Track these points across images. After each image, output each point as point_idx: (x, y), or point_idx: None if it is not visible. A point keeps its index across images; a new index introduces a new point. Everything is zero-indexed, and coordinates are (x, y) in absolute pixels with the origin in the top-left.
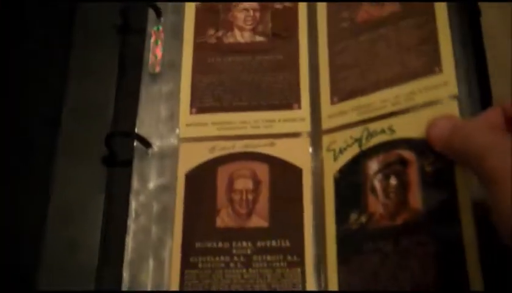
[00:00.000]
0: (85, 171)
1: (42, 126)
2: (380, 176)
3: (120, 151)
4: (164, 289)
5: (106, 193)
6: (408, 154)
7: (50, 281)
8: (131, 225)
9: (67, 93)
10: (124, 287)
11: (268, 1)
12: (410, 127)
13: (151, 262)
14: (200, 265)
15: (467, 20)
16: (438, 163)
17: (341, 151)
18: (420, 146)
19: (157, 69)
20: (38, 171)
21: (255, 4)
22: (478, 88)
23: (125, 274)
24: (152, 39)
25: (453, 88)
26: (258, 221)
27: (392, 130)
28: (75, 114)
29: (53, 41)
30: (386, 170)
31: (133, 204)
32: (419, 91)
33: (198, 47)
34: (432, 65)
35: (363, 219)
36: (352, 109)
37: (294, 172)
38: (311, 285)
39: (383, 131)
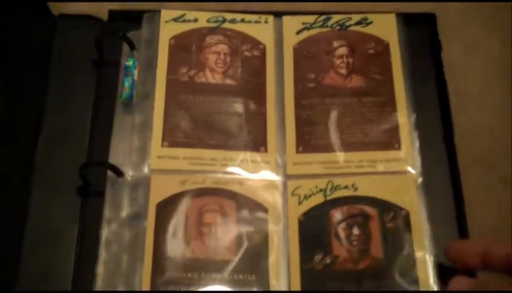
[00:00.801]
0: (59, 200)
1: (18, 156)
2: (343, 224)
3: (94, 180)
4: None
5: (79, 222)
6: (370, 210)
7: None
8: (103, 253)
9: (43, 123)
10: None
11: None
12: (372, 188)
13: (122, 290)
14: None
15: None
16: (397, 222)
17: (306, 197)
18: (381, 205)
19: (128, 101)
20: (14, 200)
21: (225, 48)
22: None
23: None
24: (125, 72)
25: (410, 166)
26: (226, 254)
27: (355, 188)
28: (50, 144)
29: (30, 73)
30: (349, 220)
31: (105, 233)
32: (381, 161)
33: (171, 83)
34: (392, 142)
35: (328, 260)
36: (316, 162)
37: (260, 210)
38: None
39: (346, 187)
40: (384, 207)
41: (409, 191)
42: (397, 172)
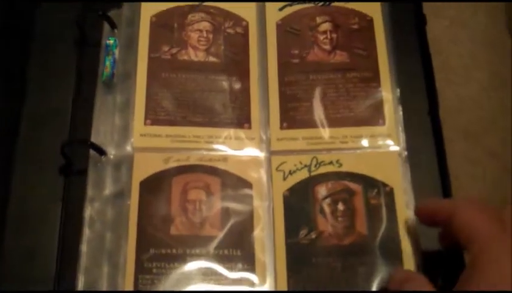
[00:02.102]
0: (42, 179)
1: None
2: (328, 200)
3: (76, 159)
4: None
5: (62, 201)
6: (354, 186)
7: (7, 289)
8: (87, 231)
9: (25, 102)
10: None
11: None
12: (356, 164)
13: (106, 268)
14: (154, 271)
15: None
16: (381, 198)
17: (291, 173)
18: (365, 181)
19: (110, 80)
20: None
21: (208, 26)
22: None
23: (81, 281)
24: (107, 51)
25: (394, 139)
26: (211, 230)
27: (339, 164)
28: (32, 124)
29: (11, 51)
30: (334, 196)
31: (88, 212)
32: (365, 136)
33: (152, 61)
34: (376, 117)
35: (313, 235)
36: (300, 137)
37: (245, 186)
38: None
39: (331, 163)
40: (369, 183)
41: (394, 167)
42: (381, 147)
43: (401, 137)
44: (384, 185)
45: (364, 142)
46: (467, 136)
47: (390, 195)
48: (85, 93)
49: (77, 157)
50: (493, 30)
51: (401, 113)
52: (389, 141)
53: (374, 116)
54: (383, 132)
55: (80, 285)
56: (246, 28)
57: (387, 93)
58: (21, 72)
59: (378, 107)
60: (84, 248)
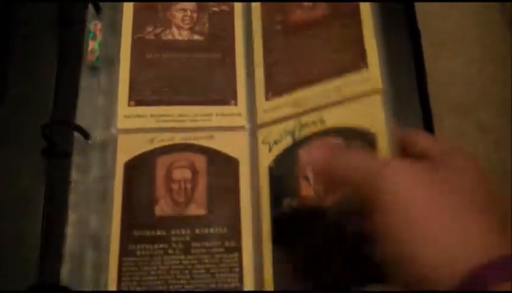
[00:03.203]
0: (25, 162)
1: None
2: None
3: (60, 141)
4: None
5: (46, 184)
6: (337, 141)
7: None
8: (72, 215)
9: (8, 84)
10: (65, 277)
11: (205, 0)
12: (339, 117)
13: (91, 252)
14: (138, 253)
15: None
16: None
17: (276, 143)
18: (349, 133)
19: (95, 63)
20: None
21: (192, 5)
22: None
23: (66, 264)
24: (91, 34)
25: (377, 82)
26: (196, 209)
27: (322, 121)
28: (16, 107)
29: None
30: None
31: (72, 194)
32: (346, 86)
33: (136, 42)
34: (358, 61)
35: (295, 202)
36: (285, 104)
37: (231, 163)
38: (247, 267)
39: (314, 123)
40: (351, 135)
41: (377, 113)
42: (364, 94)
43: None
44: (367, 133)
45: (346, 92)
46: (457, 110)
47: (372, 142)
48: (69, 75)
49: (61, 139)
50: (483, 7)
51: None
52: (371, 85)
53: (355, 61)
54: (364, 77)
55: (65, 268)
56: (231, 6)
57: (370, 39)
58: (3, 54)
59: (360, 49)
60: (69, 231)
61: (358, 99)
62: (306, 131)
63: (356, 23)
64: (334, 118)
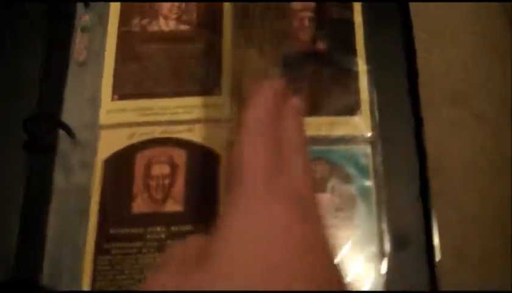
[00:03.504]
0: (6, 159)
1: None
2: None
3: (43, 137)
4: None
5: (26, 178)
6: None
7: None
8: (52, 213)
9: None
10: (44, 274)
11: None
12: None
13: (69, 250)
14: (113, 252)
15: None
16: None
17: None
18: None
19: (81, 57)
20: None
21: None
22: None
23: (45, 261)
24: (79, 28)
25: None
26: (173, 205)
27: None
28: (2, 98)
29: None
30: None
31: (53, 190)
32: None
33: (122, 35)
34: (212, 87)
35: None
36: None
37: (212, 157)
38: None
39: None
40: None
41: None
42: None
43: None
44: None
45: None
46: (454, 101)
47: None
48: (56, 69)
49: (44, 134)
50: None
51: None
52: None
53: (208, 87)
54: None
55: (45, 266)
56: None
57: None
58: None
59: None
60: (49, 227)
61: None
62: None
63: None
64: None
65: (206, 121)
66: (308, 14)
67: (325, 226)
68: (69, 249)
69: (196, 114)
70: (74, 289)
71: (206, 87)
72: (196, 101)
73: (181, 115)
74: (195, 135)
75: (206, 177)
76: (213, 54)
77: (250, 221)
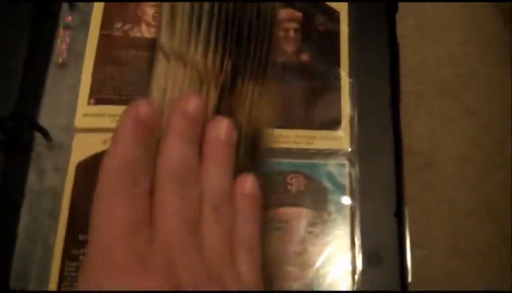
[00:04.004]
0: None
1: None
2: None
3: (19, 138)
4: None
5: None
6: None
7: None
8: (24, 215)
9: None
10: (13, 276)
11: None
12: None
13: (38, 252)
14: (81, 258)
15: None
16: None
17: None
18: None
19: (62, 59)
20: None
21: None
22: None
23: (14, 265)
24: (61, 29)
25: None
26: None
27: None
28: None
29: None
30: None
31: (26, 193)
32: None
33: (103, 39)
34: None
35: None
36: None
37: None
38: None
39: None
40: None
41: None
42: None
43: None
44: None
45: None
46: (445, 94)
47: None
48: (36, 70)
49: (20, 135)
50: None
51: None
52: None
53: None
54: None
55: (13, 269)
56: None
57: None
58: None
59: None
60: (20, 231)
61: None
62: None
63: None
64: None
65: None
66: (294, 25)
67: None
68: (39, 252)
69: None
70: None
71: None
72: None
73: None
74: None
75: None
76: None
77: None
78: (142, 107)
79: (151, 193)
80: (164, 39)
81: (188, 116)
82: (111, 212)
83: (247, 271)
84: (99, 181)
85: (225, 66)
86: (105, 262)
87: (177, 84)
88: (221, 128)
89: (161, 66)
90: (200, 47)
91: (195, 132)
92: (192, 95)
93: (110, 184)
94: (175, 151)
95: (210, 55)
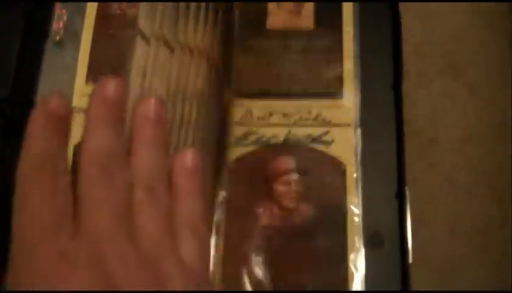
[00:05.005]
0: None
1: None
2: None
3: (17, 119)
4: None
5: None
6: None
7: None
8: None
9: None
10: None
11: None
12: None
13: None
14: None
15: None
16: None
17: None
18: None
19: (59, 37)
20: None
21: None
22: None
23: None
24: (58, 7)
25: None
26: None
27: None
28: None
29: None
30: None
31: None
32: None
33: (101, 17)
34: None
35: None
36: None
37: None
38: None
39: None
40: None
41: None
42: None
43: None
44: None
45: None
46: (446, 72)
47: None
48: (33, 50)
49: (17, 116)
50: None
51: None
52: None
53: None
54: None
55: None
56: None
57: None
58: None
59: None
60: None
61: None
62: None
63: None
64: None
65: None
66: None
67: None
68: None
69: None
70: None
71: None
72: None
73: None
74: None
75: None
76: None
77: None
78: (53, 101)
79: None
80: (143, 23)
81: (107, 100)
82: (31, 211)
83: (191, 255)
84: (17, 181)
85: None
86: (28, 264)
87: (159, 66)
88: (149, 107)
89: (140, 48)
90: (191, 26)
91: (116, 116)
92: (110, 79)
93: (27, 182)
94: (95, 138)
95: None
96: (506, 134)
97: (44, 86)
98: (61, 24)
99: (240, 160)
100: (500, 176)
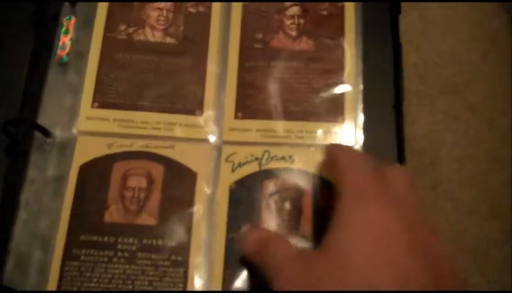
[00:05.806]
0: None
1: None
2: (276, 197)
3: (21, 139)
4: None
5: (4, 182)
6: (304, 185)
7: None
8: (22, 214)
9: None
10: (8, 275)
11: (182, 0)
12: (308, 161)
13: (37, 253)
14: (82, 258)
15: None
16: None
17: (240, 165)
18: (316, 180)
19: (64, 59)
20: None
21: (169, 5)
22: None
23: (9, 263)
24: (63, 29)
25: (352, 137)
26: (147, 219)
27: (292, 160)
28: None
29: None
30: (283, 193)
31: (25, 194)
32: (323, 133)
33: (107, 41)
34: (195, 107)
35: None
36: (255, 129)
37: (189, 176)
38: (192, 284)
39: (283, 158)
40: (318, 184)
41: None
42: None
43: (361, 136)
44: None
45: (321, 138)
46: (448, 91)
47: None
48: (39, 71)
49: (22, 137)
50: None
51: (361, 113)
52: (347, 138)
53: (334, 112)
54: (340, 130)
55: (8, 268)
56: (209, 8)
57: (351, 88)
58: None
59: (339, 103)
60: (17, 230)
61: None
62: (274, 164)
63: (339, 70)
64: (304, 160)
65: (186, 140)
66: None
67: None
68: (39, 252)
69: (177, 132)
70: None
71: (189, 106)
72: (178, 118)
73: (162, 131)
74: (175, 152)
75: (182, 195)
76: (197, 71)
77: (365, 221)
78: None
79: None
80: None
81: None
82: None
83: None
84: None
85: None
86: None
87: None
88: None
89: None
90: None
91: None
92: None
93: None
94: None
95: None
96: (507, 152)
97: (47, 106)
98: (65, 46)
99: None
100: (503, 194)
